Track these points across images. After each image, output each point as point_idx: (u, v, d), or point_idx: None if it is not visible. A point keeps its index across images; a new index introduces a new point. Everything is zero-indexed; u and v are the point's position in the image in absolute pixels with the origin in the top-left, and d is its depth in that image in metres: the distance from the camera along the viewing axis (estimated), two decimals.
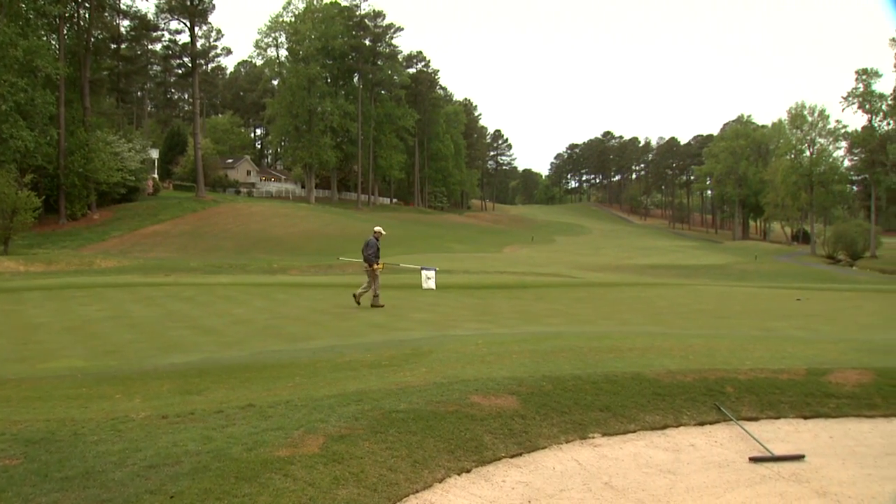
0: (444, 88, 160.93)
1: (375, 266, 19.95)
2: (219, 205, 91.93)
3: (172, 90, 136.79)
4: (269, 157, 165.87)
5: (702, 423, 7.41)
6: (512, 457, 6.22)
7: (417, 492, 5.31)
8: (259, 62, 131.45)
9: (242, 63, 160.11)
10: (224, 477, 4.89)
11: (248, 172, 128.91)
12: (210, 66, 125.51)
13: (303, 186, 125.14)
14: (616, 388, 7.83)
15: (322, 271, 47.33)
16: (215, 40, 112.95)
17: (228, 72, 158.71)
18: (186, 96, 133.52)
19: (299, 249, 73.03)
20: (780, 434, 7.37)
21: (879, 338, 14.06)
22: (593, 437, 6.84)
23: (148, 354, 12.21)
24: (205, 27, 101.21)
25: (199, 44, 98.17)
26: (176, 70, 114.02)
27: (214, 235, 77.44)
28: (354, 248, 75.48)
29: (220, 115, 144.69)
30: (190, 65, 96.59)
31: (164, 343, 13.54)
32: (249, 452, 5.35)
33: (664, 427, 7.24)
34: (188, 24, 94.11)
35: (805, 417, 7.75)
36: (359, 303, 20.08)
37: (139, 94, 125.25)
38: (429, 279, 25.29)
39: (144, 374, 9.91)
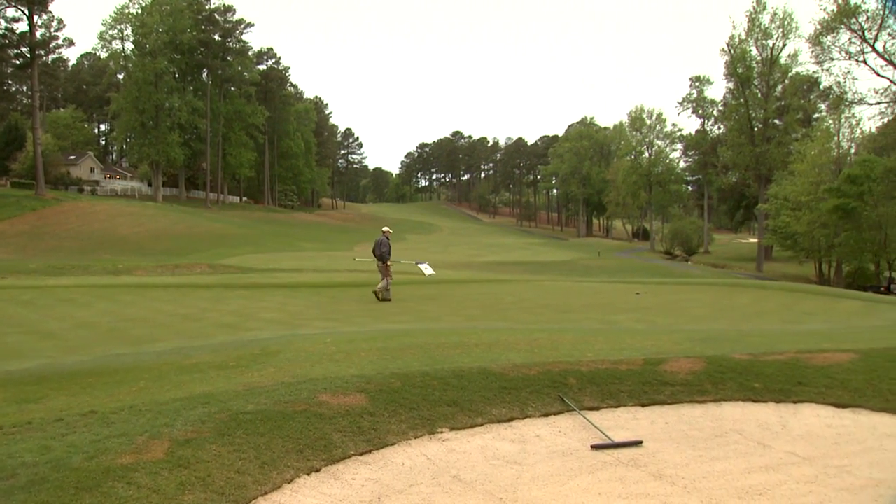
0: (294, 86, 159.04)
1: (389, 263, 21.71)
2: (60, 203, 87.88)
3: (9, 82, 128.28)
4: (115, 154, 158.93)
5: (546, 415, 7.64)
6: (361, 454, 6.24)
7: (266, 493, 5.26)
8: (104, 55, 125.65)
9: (86, 55, 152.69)
10: (63, 488, 4.71)
11: (92, 169, 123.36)
12: (51, 57, 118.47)
13: (149, 184, 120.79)
14: (463, 383, 7.97)
15: (169, 271, 45.91)
16: (56, 30, 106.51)
17: (71, 64, 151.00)
18: (25, 89, 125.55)
19: (146, 249, 70.78)
20: (620, 422, 7.69)
21: (710, 328, 14.87)
22: (441, 432, 6.94)
23: None
24: (45, 16, 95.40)
25: (38, 33, 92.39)
26: (13, 61, 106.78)
27: (56, 235, 74.02)
28: (204, 247, 74.45)
29: (61, 109, 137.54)
30: (28, 55, 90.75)
31: None
32: (91, 461, 5.16)
33: (510, 419, 7.42)
34: (26, 11, 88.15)
35: (643, 405, 8.11)
36: (380, 298, 21.49)
37: None
38: (427, 268, 26.02)
39: None
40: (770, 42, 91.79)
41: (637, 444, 7.03)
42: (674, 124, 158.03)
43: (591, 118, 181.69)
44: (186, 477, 5.10)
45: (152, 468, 5.13)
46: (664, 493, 5.86)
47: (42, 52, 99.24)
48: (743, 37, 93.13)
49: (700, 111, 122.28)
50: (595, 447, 6.90)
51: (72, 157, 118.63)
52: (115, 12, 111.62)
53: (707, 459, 6.69)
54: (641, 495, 5.81)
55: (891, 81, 64.37)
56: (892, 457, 6.75)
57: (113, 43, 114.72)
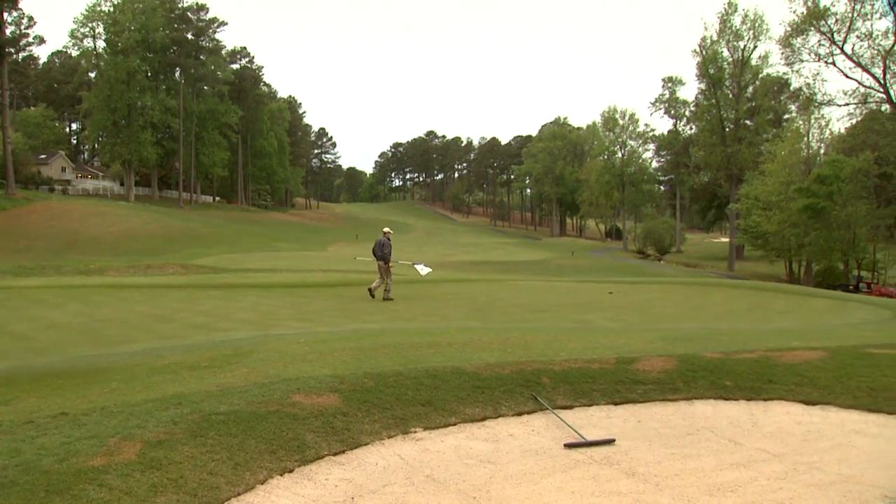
0: (268, 85, 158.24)
1: (391, 264, 22.07)
2: (31, 203, 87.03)
3: None
4: (86, 153, 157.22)
5: (520, 414, 7.65)
6: (335, 454, 6.23)
7: (239, 494, 5.24)
8: (75, 53, 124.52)
9: (57, 53, 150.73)
10: (33, 491, 4.66)
11: (64, 169, 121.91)
12: (21, 55, 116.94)
13: (122, 184, 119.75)
14: (437, 382, 7.97)
15: (142, 271, 45.67)
16: (27, 28, 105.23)
17: (41, 62, 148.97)
18: None
19: (118, 249, 70.23)
20: (593, 420, 7.73)
21: (682, 327, 14.98)
22: (415, 432, 6.94)
23: None
24: (15, 13, 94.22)
25: (8, 31, 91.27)
26: None
27: (26, 236, 73.31)
28: (177, 247, 74.01)
29: (32, 108, 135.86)
30: None
31: None
32: (61, 463, 5.11)
33: (484, 419, 7.43)
34: None
35: (616, 403, 8.15)
36: (373, 296, 21.90)
37: None
38: (423, 268, 26.19)
39: None
40: (741, 44, 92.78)
41: (610, 442, 7.07)
42: (646, 124, 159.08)
43: (565, 118, 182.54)
44: (158, 479, 5.06)
45: (124, 470, 5.09)
46: (637, 490, 5.90)
47: (12, 50, 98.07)
48: (714, 38, 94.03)
49: (672, 112, 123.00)
50: (568, 446, 6.93)
51: (42, 156, 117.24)
52: (86, 10, 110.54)
53: (679, 457, 6.74)
54: (614, 493, 5.84)
55: (859, 83, 65.19)
56: (859, 453, 6.84)
57: (84, 41, 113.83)
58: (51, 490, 4.69)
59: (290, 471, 5.80)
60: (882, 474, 6.24)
